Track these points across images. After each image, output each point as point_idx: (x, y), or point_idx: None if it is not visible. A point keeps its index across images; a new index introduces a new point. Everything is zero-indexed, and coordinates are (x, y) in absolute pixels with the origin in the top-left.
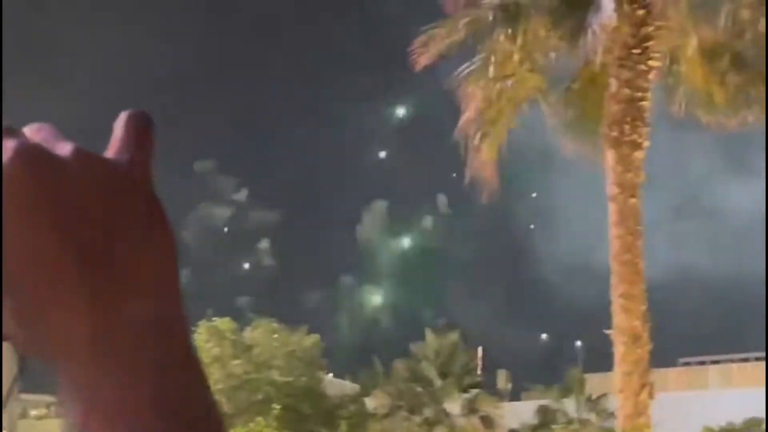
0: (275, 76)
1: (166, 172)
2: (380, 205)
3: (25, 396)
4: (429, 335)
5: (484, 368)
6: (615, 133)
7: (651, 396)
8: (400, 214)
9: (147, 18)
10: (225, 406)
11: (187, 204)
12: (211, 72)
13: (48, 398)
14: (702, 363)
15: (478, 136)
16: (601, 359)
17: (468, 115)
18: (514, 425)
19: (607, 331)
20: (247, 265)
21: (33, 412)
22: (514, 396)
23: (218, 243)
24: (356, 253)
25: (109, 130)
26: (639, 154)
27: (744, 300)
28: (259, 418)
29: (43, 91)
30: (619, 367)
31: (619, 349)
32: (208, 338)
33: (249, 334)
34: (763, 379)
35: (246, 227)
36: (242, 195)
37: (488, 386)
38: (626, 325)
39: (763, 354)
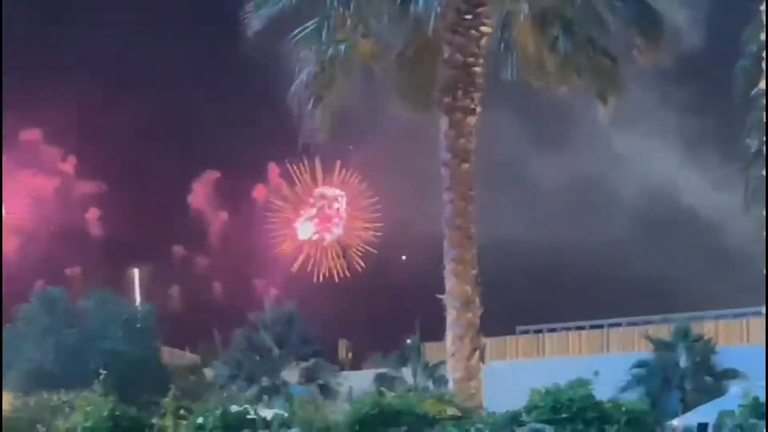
0: (103, 43)
1: None
2: (211, 176)
3: None
4: (266, 305)
5: (324, 339)
6: (448, 99)
7: (482, 360)
8: (231, 184)
9: None
10: (57, 375)
11: (12, 174)
12: (37, 40)
13: None
14: (539, 331)
15: (311, 101)
16: (440, 328)
17: (300, 80)
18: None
19: (440, 296)
20: (76, 236)
21: None
22: (357, 366)
23: (45, 213)
24: (187, 223)
25: None
26: (471, 120)
27: (574, 271)
28: (92, 387)
29: None
30: (450, 331)
31: (451, 314)
32: (40, 308)
33: (81, 304)
34: (597, 347)
35: (73, 197)
36: (69, 165)
37: (330, 357)
38: (457, 289)
39: (597, 322)
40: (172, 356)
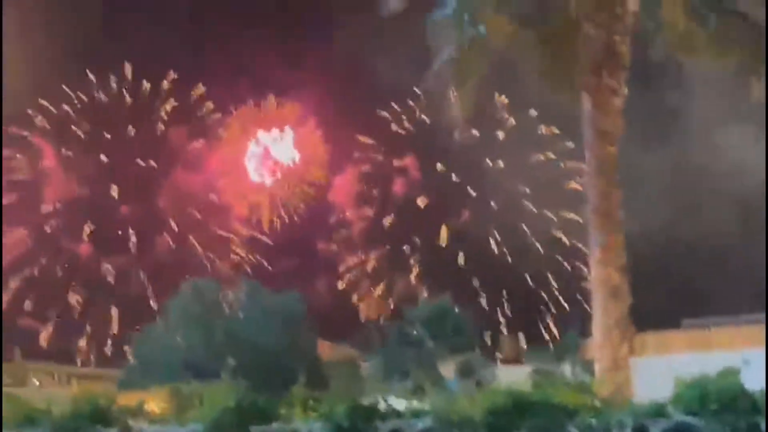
0: None
1: None
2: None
3: (28, 363)
4: (421, 298)
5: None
6: (591, 79)
7: (631, 351)
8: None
9: None
10: (206, 365)
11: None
12: None
13: (52, 367)
14: (704, 326)
15: (450, 82)
16: None
17: (440, 60)
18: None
19: (586, 284)
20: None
21: (35, 380)
22: (519, 360)
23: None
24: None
25: None
26: (617, 101)
27: (721, 262)
28: (243, 380)
29: None
30: (598, 321)
31: (597, 303)
32: (190, 299)
33: (232, 295)
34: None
35: None
36: None
37: (489, 350)
38: (604, 277)
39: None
40: (333, 350)
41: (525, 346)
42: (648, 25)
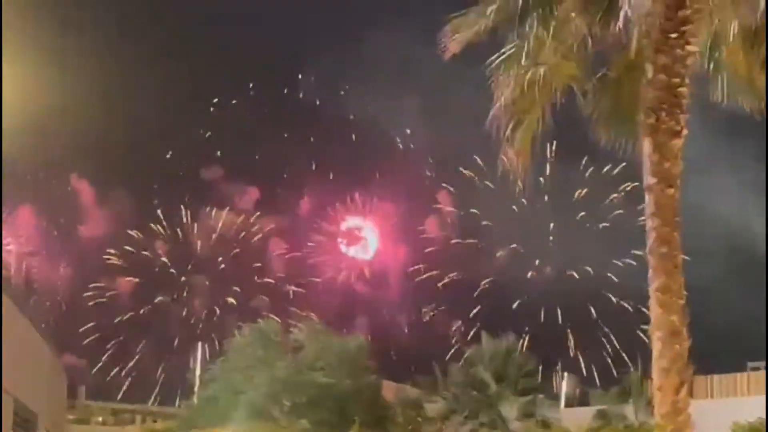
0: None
1: None
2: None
3: (88, 403)
4: (484, 339)
5: (545, 373)
6: (651, 121)
7: (690, 394)
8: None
9: None
10: (271, 409)
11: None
12: None
13: (112, 406)
14: None
15: (511, 126)
16: None
17: (499, 104)
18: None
19: (645, 327)
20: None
21: (98, 419)
22: (585, 402)
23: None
24: None
25: None
26: (677, 142)
27: None
28: (303, 421)
29: None
30: (656, 364)
31: (656, 345)
32: (253, 340)
33: (294, 336)
34: None
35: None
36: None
37: (553, 392)
38: (663, 320)
39: None
40: (397, 390)
41: (589, 388)
42: (707, 67)
